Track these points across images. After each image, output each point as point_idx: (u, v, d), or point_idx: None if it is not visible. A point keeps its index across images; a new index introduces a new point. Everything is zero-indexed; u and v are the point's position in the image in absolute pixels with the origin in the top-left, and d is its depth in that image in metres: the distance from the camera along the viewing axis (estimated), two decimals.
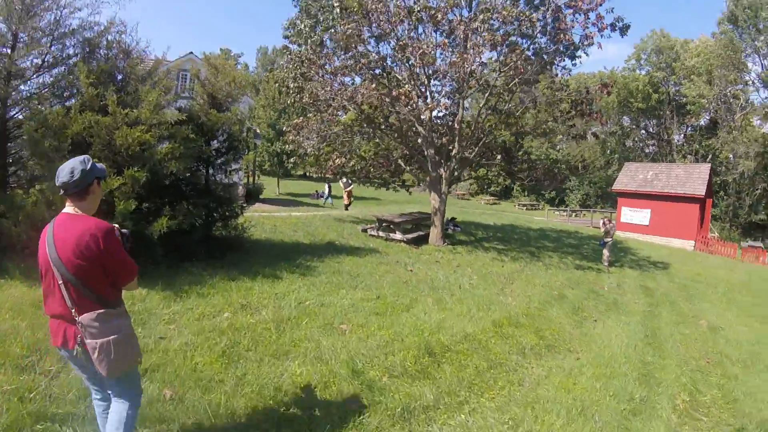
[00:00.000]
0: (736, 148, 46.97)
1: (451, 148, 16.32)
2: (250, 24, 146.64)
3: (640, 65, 57.17)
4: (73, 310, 2.95)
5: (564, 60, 16.21)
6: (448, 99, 15.59)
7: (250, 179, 30.57)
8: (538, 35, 15.04)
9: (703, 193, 31.84)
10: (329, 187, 34.40)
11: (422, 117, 16.65)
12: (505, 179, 40.35)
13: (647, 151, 61.62)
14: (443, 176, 16.67)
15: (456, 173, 17.30)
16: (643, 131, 62.06)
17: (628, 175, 35.91)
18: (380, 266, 12.27)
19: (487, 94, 15.63)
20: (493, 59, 15.58)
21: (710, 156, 51.20)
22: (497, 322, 8.87)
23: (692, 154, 54.63)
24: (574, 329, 9.65)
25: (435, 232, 16.80)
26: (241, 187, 25.71)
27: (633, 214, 33.98)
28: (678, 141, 58.20)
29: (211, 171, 11.60)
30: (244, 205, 12.60)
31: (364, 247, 14.53)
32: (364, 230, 17.02)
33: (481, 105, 16.00)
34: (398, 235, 16.08)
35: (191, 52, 25.78)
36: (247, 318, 7.25)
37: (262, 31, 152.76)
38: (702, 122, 56.38)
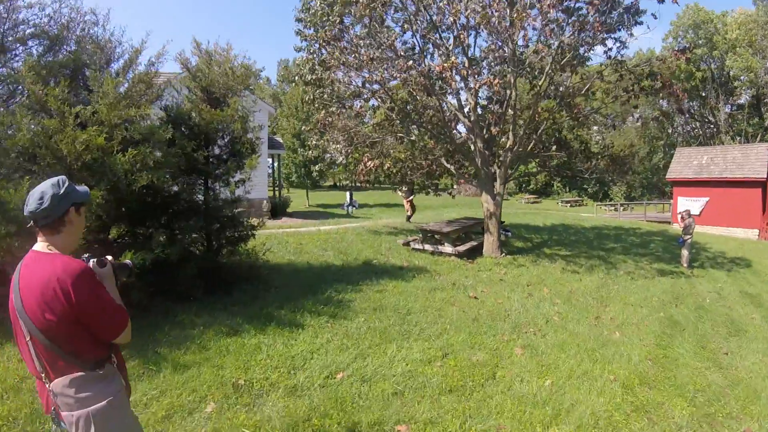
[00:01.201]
0: None
1: (504, 139, 13.22)
2: (271, 41, 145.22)
3: (678, 43, 52.65)
4: (44, 374, 2.29)
5: (622, 30, 12.98)
6: (496, 77, 12.33)
7: (277, 192, 27.86)
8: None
9: (765, 176, 28.21)
10: (351, 195, 32.32)
11: (465, 106, 13.64)
12: (546, 176, 36.17)
13: (692, 134, 56.92)
14: (497, 174, 13.58)
15: (512, 170, 14.16)
16: (686, 114, 57.21)
17: (681, 161, 32.20)
18: (435, 294, 9.20)
19: (548, 68, 12.45)
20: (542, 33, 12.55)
21: (759, 135, 46.95)
22: (625, 382, 5.73)
23: (740, 135, 50.12)
24: (716, 377, 6.52)
25: (490, 241, 13.68)
26: (265, 202, 23.12)
27: (691, 204, 30.28)
28: (721, 121, 53.55)
29: (210, 184, 8.78)
30: (257, 222, 9.70)
31: (409, 266, 11.53)
32: (406, 244, 13.99)
33: (540, 83, 12.81)
34: (448, 248, 13.01)
35: None
36: (240, 418, 4.28)
37: (282, 47, 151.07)
38: (743, 100, 51.75)
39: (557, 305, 9.11)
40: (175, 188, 8.10)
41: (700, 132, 55.52)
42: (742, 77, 47.28)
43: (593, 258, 14.89)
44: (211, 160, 8.71)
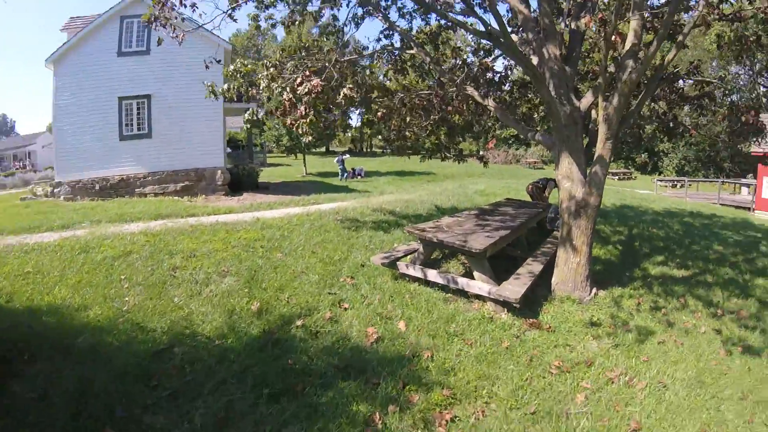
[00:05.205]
0: None
1: (613, 40, 5.48)
2: None
3: None
4: None
5: None
6: None
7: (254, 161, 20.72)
8: None
9: None
10: (342, 160, 27.57)
11: None
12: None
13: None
14: (608, 114, 5.81)
15: (626, 110, 6.26)
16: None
17: None
18: None
19: None
20: None
21: None
22: None
23: None
24: None
25: (572, 265, 6.07)
26: (219, 172, 16.20)
27: None
28: None
29: None
30: None
31: (379, 342, 4.21)
32: (392, 263, 6.35)
33: None
34: (480, 285, 5.50)
35: None
36: None
37: None
38: None
39: None
40: None
41: None
42: None
43: (732, 287, 7.14)
44: None
